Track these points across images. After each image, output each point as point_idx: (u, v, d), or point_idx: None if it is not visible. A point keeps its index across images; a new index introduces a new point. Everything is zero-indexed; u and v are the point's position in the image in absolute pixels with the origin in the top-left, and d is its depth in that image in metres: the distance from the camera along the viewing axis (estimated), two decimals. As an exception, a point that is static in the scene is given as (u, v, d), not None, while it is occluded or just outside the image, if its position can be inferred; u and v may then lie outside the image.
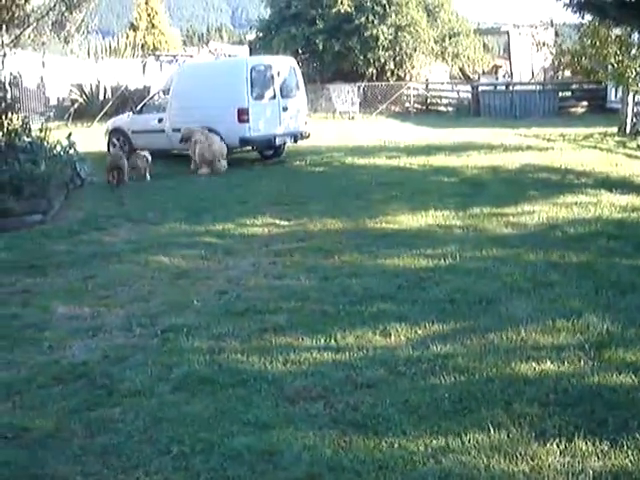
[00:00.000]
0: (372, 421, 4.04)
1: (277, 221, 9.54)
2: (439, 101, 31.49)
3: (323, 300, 6.17)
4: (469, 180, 12.46)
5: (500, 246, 7.74)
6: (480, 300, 5.98)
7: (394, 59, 31.65)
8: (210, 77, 15.79)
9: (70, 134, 13.51)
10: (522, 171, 13.18)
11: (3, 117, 11.82)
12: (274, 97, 15.31)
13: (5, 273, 7.45)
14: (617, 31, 17.64)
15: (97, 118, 24.78)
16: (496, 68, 39.60)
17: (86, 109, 27.19)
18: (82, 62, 30.46)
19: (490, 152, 15.81)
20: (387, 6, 30.96)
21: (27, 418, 4.25)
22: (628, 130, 19.04)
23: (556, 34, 24.12)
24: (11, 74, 14.00)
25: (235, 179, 13.29)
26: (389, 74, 31.76)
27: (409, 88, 30.30)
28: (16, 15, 13.49)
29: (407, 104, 30.23)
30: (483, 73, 37.56)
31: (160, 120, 15.80)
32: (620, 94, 21.12)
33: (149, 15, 45.68)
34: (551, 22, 22.84)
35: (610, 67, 18.81)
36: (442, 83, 34.10)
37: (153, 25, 45.52)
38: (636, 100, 19.43)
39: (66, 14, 14.39)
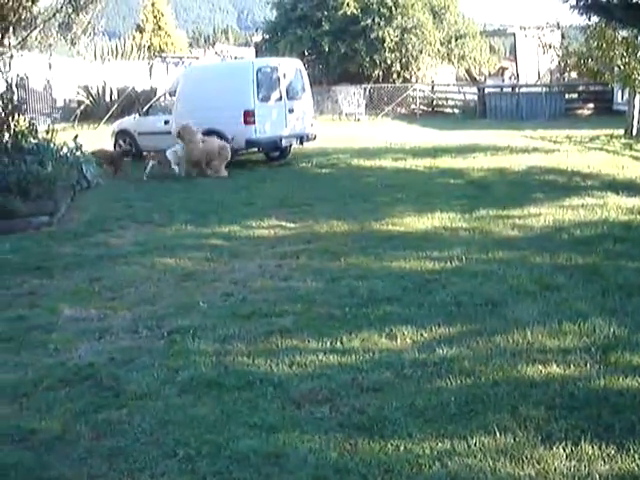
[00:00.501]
0: (378, 424, 4.03)
1: (283, 223, 9.54)
2: (445, 103, 31.52)
3: (329, 303, 6.17)
4: (475, 182, 12.45)
5: (506, 249, 7.72)
6: (486, 303, 5.97)
7: (400, 61, 31.68)
8: (216, 79, 15.80)
9: (77, 136, 13.56)
10: (528, 173, 13.16)
11: (10, 119, 11.86)
12: (280, 99, 15.33)
13: (12, 275, 7.47)
14: (623, 33, 17.60)
15: (103, 120, 24.85)
16: (502, 70, 39.60)
17: (92, 111, 27.29)
18: (89, 64, 30.57)
19: (496, 154, 15.81)
20: (393, 8, 31.00)
21: (34, 420, 4.26)
22: (635, 132, 19.00)
23: (562, 36, 24.09)
24: (18, 76, 14.07)
25: (241, 181, 13.31)
26: (395, 76, 31.79)
27: (415, 90, 30.32)
28: (23, 17, 13.54)
29: (413, 106, 30.25)
30: (489, 75, 37.58)
31: (166, 122, 15.82)
32: (627, 96, 21.08)
33: (155, 17, 45.72)
34: (557, 24, 22.74)
35: (617, 69, 18.77)
36: (448, 85, 34.10)
37: (159, 27, 45.55)
38: (643, 102, 19.38)
39: (73, 16, 14.43)
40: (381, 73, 31.53)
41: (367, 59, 30.92)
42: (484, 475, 3.53)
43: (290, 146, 16.08)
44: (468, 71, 35.52)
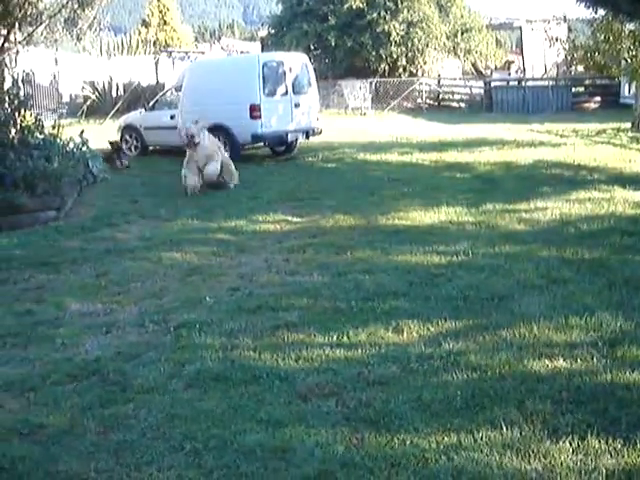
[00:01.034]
0: (384, 418, 4.04)
1: (289, 217, 9.54)
2: (451, 97, 31.40)
3: (335, 297, 6.17)
4: (481, 176, 12.42)
5: (513, 242, 7.72)
6: (492, 297, 5.97)
7: (406, 55, 31.54)
8: (222, 74, 15.79)
9: (83, 131, 13.58)
10: (535, 167, 13.12)
11: (16, 114, 11.87)
12: (286, 93, 15.31)
13: (19, 270, 7.50)
14: (630, 26, 17.51)
15: (109, 115, 24.84)
16: (509, 63, 39.47)
17: (98, 106, 27.28)
18: (94, 59, 30.61)
19: (502, 148, 15.77)
20: (399, 2, 30.87)
21: (41, 415, 4.28)
22: (642, 125, 18.91)
23: (569, 29, 23.91)
24: (24, 71, 14.10)
25: (247, 175, 13.30)
26: (401, 70, 31.67)
27: (421, 84, 30.24)
28: (29, 13, 13.57)
29: (419, 100, 30.15)
30: (495, 68, 37.44)
31: (172, 117, 15.82)
32: (634, 89, 21.00)
33: (161, 12, 45.67)
34: (564, 17, 22.61)
35: (623, 62, 18.69)
36: (454, 79, 33.96)
37: (165, 22, 45.50)
38: (650, 95, 19.32)
39: (78, 11, 14.48)
40: (387, 67, 31.41)
41: (373, 53, 30.81)
42: (490, 469, 3.53)
43: (296, 140, 16.04)
44: (474, 65, 35.38)
